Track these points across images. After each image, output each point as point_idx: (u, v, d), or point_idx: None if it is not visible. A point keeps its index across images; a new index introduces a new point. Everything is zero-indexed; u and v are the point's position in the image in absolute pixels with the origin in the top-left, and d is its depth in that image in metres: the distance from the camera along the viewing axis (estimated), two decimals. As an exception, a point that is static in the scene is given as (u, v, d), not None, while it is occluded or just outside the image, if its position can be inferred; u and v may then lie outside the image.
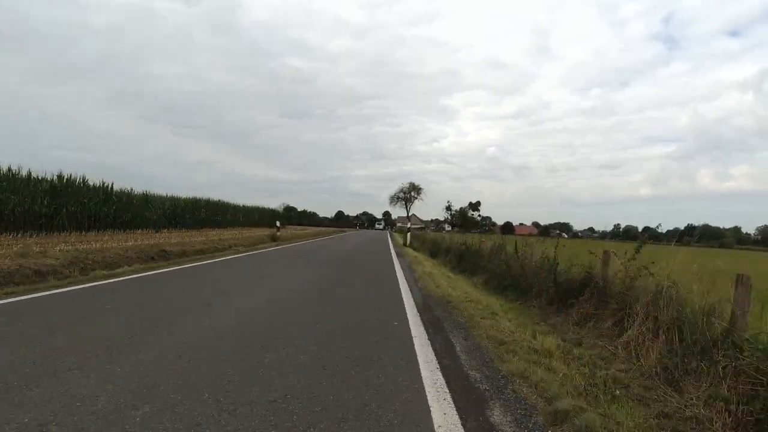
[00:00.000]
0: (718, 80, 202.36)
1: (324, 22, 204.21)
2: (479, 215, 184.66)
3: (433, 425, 2.53)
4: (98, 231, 16.37)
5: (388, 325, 5.00)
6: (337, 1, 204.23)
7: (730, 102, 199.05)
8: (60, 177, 15.86)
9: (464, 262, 12.65)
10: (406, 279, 9.56)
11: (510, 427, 2.64)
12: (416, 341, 4.32)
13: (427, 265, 13.05)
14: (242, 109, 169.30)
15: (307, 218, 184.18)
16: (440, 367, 3.57)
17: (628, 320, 4.18)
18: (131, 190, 20.71)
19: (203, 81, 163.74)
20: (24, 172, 14.42)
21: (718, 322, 3.29)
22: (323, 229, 74.17)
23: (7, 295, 5.67)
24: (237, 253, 14.37)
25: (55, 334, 3.92)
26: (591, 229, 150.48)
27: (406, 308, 6.08)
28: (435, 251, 17.99)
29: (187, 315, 4.90)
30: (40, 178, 14.82)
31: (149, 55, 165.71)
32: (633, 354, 3.70)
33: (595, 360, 3.80)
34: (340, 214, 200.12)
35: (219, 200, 32.52)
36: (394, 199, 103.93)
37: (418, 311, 5.93)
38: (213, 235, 21.05)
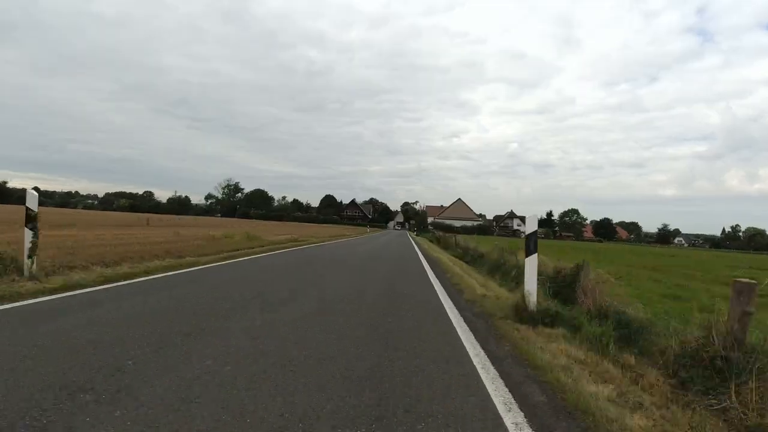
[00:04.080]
0: (751, 76, 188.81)
1: (339, 12, 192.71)
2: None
3: None
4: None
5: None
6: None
7: (763, 99, 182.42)
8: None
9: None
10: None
11: None
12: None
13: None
14: (254, 102, 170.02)
15: (266, 208, 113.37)
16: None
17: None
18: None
19: (214, 73, 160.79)
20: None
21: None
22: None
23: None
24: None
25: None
26: (666, 228, 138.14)
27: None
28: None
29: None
30: None
31: (159, 46, 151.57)
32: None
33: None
34: (329, 200, 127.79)
35: None
36: None
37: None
38: None
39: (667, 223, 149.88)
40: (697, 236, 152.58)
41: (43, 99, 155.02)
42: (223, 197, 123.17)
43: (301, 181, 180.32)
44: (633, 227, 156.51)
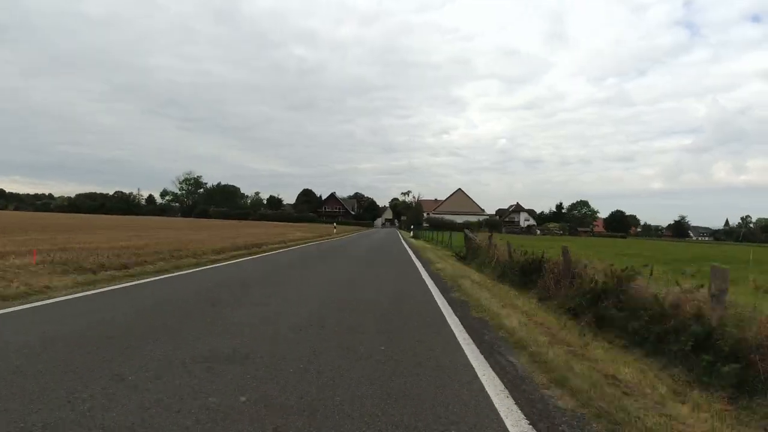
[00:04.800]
0: (739, 69, 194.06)
1: (330, 9, 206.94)
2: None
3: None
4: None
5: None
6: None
7: (751, 92, 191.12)
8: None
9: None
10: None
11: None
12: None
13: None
14: (246, 101, 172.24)
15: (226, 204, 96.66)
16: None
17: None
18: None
19: (205, 73, 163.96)
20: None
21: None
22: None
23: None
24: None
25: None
26: (684, 221, 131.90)
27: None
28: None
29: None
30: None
31: (150, 47, 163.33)
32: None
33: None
34: (307, 195, 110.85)
35: None
36: None
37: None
38: None
39: (684, 215, 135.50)
40: (703, 229, 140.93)
41: (32, 101, 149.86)
42: (181, 193, 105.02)
43: (293, 180, 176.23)
44: (632, 220, 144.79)
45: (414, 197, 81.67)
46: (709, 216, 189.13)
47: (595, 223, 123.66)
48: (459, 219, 71.06)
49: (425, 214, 76.02)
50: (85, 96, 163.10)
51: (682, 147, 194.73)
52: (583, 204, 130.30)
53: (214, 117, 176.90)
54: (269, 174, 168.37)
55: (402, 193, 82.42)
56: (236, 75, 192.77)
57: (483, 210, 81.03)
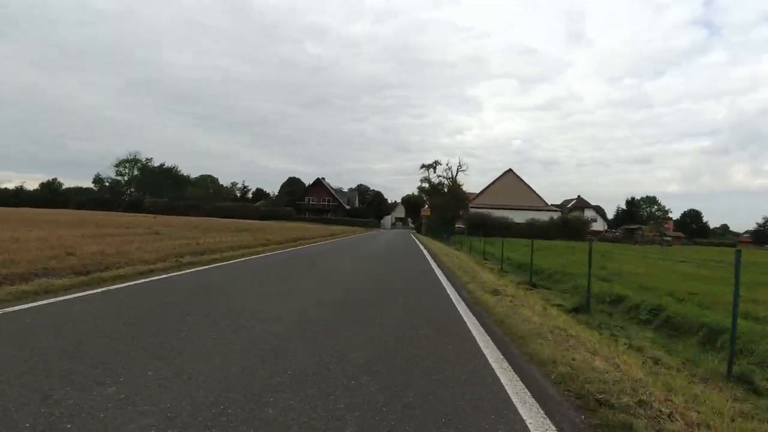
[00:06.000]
0: (759, 70, 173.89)
1: (343, 5, 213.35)
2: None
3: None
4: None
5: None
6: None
7: None
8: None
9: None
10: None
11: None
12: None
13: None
14: (259, 98, 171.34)
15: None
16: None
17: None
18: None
19: (217, 69, 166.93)
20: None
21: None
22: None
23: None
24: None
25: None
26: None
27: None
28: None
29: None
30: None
31: (162, 42, 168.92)
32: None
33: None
34: (292, 184, 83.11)
35: None
36: None
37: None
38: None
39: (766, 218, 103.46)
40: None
41: (43, 95, 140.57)
42: (122, 179, 77.47)
43: (305, 178, 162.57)
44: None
45: (449, 168, 49.57)
46: (731, 220, 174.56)
47: (665, 225, 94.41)
48: (518, 217, 42.80)
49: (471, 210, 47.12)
50: (95, 91, 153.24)
51: (700, 149, 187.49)
52: (651, 201, 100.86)
53: (227, 113, 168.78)
54: (280, 172, 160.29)
55: (423, 166, 49.63)
56: (248, 70, 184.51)
57: (546, 203, 52.14)
